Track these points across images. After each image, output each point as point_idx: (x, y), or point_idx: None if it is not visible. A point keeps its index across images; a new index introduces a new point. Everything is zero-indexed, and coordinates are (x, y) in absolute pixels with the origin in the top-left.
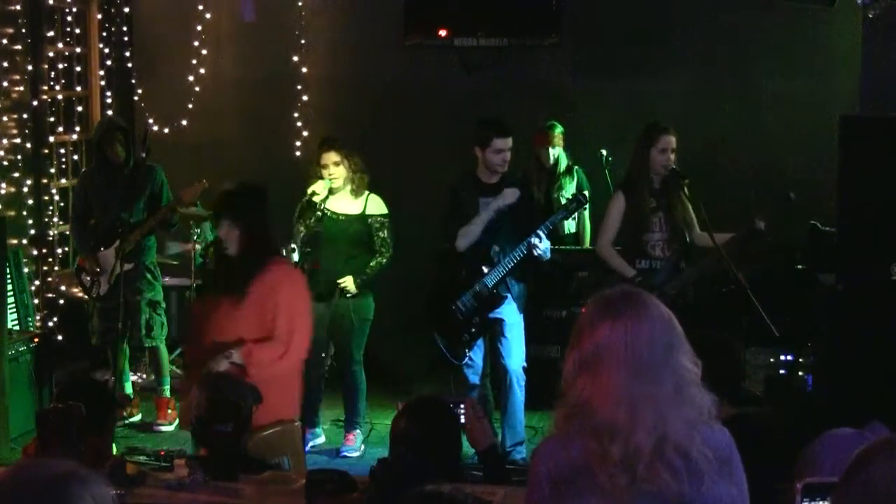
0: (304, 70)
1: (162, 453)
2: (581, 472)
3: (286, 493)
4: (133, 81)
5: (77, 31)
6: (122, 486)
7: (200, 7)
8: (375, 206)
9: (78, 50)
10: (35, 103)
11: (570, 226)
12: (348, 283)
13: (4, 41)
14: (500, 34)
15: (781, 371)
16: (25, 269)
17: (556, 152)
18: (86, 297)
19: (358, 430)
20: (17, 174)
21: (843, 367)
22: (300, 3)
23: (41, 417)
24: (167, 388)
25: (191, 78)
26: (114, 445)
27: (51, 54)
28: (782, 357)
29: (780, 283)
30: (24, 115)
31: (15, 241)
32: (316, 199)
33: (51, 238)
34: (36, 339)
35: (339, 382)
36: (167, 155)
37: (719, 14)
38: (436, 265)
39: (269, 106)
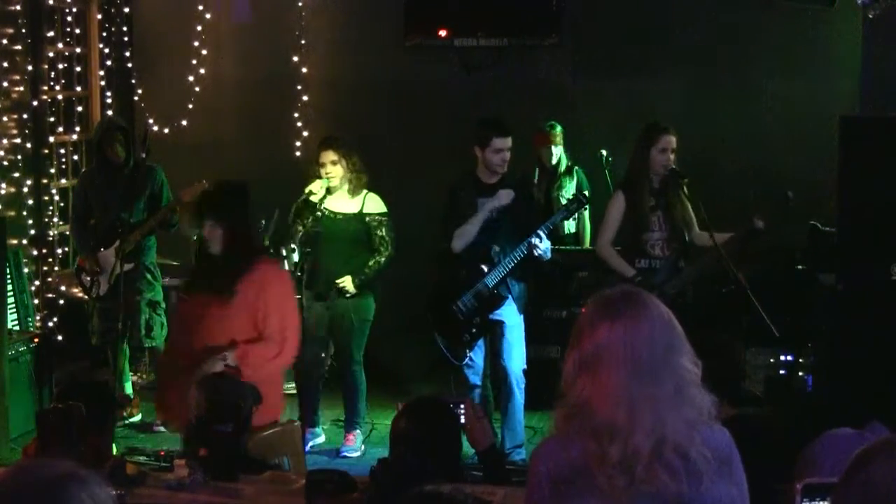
0: (304, 70)
1: (162, 453)
2: (581, 473)
3: (286, 494)
4: (133, 81)
5: (77, 31)
6: (122, 486)
7: (200, 7)
8: (373, 204)
9: (78, 50)
10: (35, 103)
11: (570, 226)
12: (346, 283)
13: (4, 41)
14: (500, 34)
15: (781, 371)
16: (25, 269)
17: (559, 151)
18: (86, 297)
19: (358, 431)
20: (17, 174)
21: (843, 367)
22: (300, 3)
23: (41, 417)
24: None
25: (191, 78)
26: (114, 445)
27: (51, 54)
28: (782, 357)
29: (780, 283)
30: (24, 115)
31: (15, 241)
32: (313, 198)
33: (51, 238)
34: (36, 339)
35: (339, 382)
36: (167, 155)
37: (719, 14)
38: (435, 265)
39: (269, 106)
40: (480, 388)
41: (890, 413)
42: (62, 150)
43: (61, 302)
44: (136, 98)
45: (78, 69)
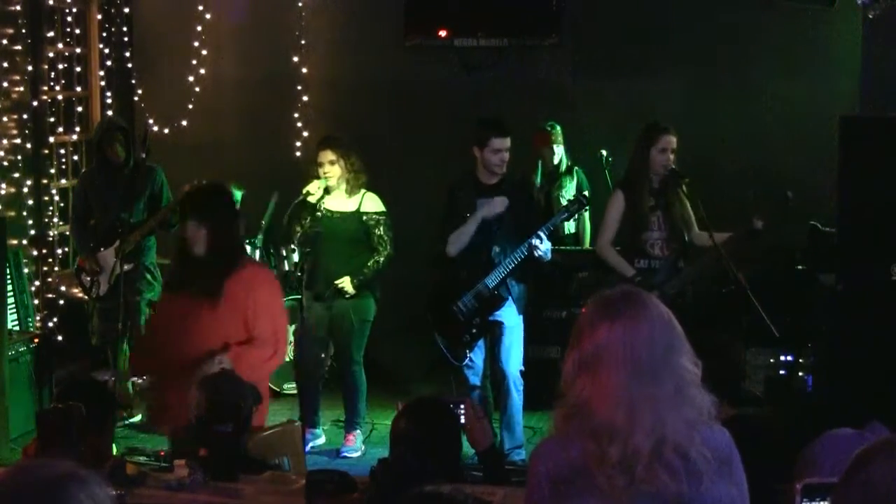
0: (304, 70)
1: (162, 453)
2: (580, 473)
3: (286, 494)
4: (133, 82)
5: (77, 31)
6: (122, 486)
7: (200, 7)
8: (371, 203)
9: (78, 50)
10: (35, 104)
11: (569, 226)
12: (345, 283)
13: (4, 41)
14: (500, 34)
15: (781, 371)
16: (25, 270)
17: (561, 151)
18: (86, 297)
19: (358, 431)
20: (17, 174)
21: (843, 368)
22: (300, 4)
23: (41, 417)
24: None
25: (191, 78)
26: (114, 445)
27: (51, 54)
28: (782, 357)
29: (780, 283)
30: (24, 116)
31: (15, 242)
32: (310, 199)
33: (51, 238)
34: (36, 340)
35: (339, 383)
36: (167, 155)
37: (719, 14)
38: (433, 266)
39: (269, 106)
40: (480, 389)
41: (890, 413)
42: (62, 151)
43: (61, 302)
44: (136, 98)
45: (78, 69)
